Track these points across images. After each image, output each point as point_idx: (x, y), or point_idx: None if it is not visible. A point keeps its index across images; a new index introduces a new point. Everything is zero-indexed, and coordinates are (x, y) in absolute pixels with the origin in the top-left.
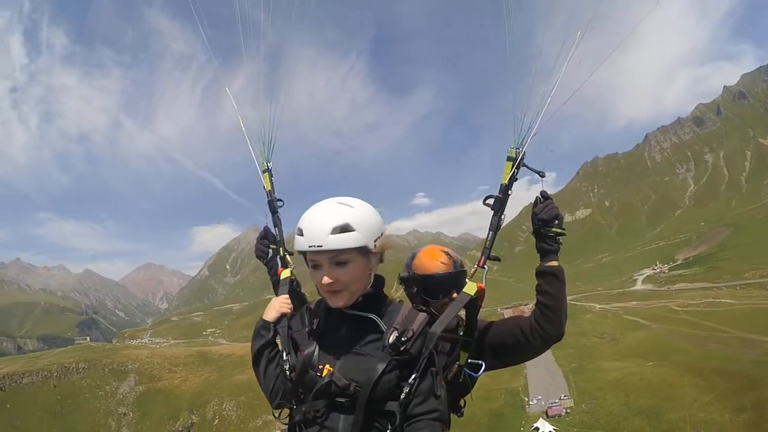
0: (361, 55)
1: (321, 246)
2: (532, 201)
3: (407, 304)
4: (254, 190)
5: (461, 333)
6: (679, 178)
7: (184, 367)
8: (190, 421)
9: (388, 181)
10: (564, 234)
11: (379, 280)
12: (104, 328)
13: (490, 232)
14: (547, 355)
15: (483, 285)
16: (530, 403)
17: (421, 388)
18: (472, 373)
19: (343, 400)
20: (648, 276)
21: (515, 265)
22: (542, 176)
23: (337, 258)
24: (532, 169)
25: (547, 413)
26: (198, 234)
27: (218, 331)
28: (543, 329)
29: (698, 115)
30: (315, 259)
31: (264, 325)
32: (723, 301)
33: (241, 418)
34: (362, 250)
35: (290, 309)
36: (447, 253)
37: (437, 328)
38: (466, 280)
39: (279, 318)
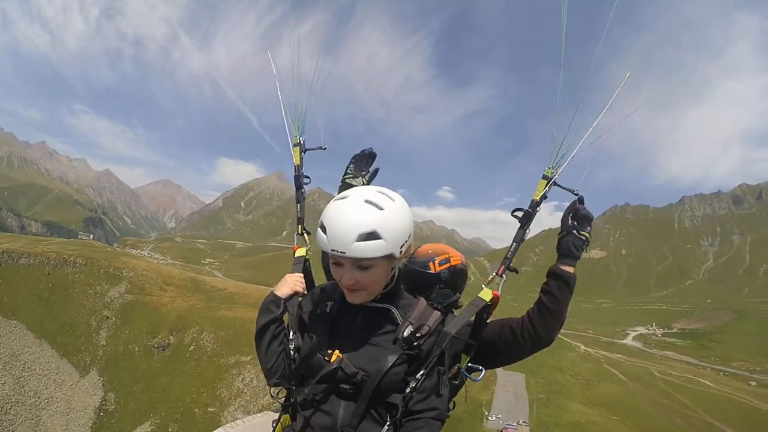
0: (430, 36)
1: (344, 253)
2: (554, 226)
3: (423, 301)
4: (287, 139)
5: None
6: (701, 250)
7: (176, 289)
8: (167, 341)
9: (420, 165)
10: (589, 242)
11: (398, 275)
12: (109, 230)
13: (514, 244)
14: (519, 378)
15: (498, 293)
16: (489, 418)
17: (426, 385)
18: (471, 377)
19: (347, 387)
20: (640, 334)
21: (517, 285)
22: (576, 195)
23: (360, 263)
24: (564, 188)
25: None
26: (222, 165)
27: (216, 263)
28: (535, 329)
29: (739, 193)
30: (337, 258)
31: (274, 300)
32: (703, 381)
33: (216, 352)
34: (386, 256)
35: (303, 288)
36: (448, 258)
37: (452, 328)
38: (482, 285)
39: (291, 295)
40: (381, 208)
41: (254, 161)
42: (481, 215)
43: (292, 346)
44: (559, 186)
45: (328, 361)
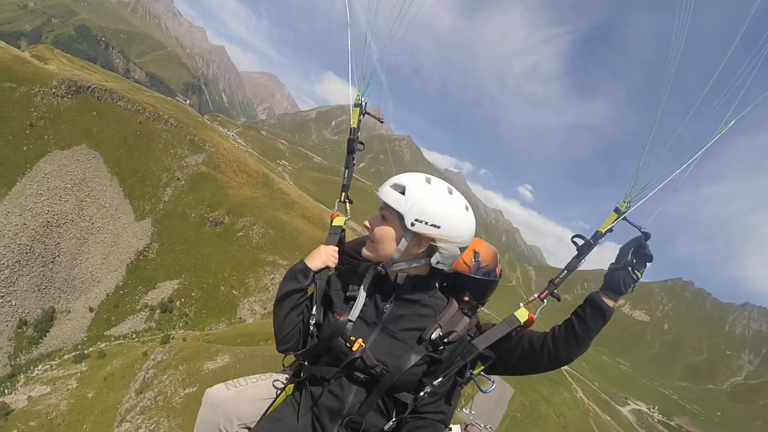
0: (572, 33)
1: (378, 192)
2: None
3: (455, 305)
4: (399, 81)
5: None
6: (737, 362)
7: (247, 177)
8: (222, 219)
9: (513, 154)
10: (638, 281)
11: (435, 272)
12: (204, 101)
13: (565, 271)
14: (507, 391)
15: (534, 317)
16: (463, 410)
17: (439, 390)
18: (481, 388)
19: (362, 376)
20: (639, 410)
21: (549, 309)
22: (643, 232)
23: (383, 211)
24: (632, 224)
25: (467, 426)
26: (328, 79)
27: (289, 168)
28: (557, 350)
29: None
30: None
31: (303, 270)
32: None
33: (259, 245)
34: (400, 218)
35: (335, 263)
36: (477, 255)
37: (481, 343)
38: (520, 304)
39: (321, 269)
40: (428, 183)
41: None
42: (550, 227)
43: (312, 321)
44: (628, 221)
45: (350, 348)
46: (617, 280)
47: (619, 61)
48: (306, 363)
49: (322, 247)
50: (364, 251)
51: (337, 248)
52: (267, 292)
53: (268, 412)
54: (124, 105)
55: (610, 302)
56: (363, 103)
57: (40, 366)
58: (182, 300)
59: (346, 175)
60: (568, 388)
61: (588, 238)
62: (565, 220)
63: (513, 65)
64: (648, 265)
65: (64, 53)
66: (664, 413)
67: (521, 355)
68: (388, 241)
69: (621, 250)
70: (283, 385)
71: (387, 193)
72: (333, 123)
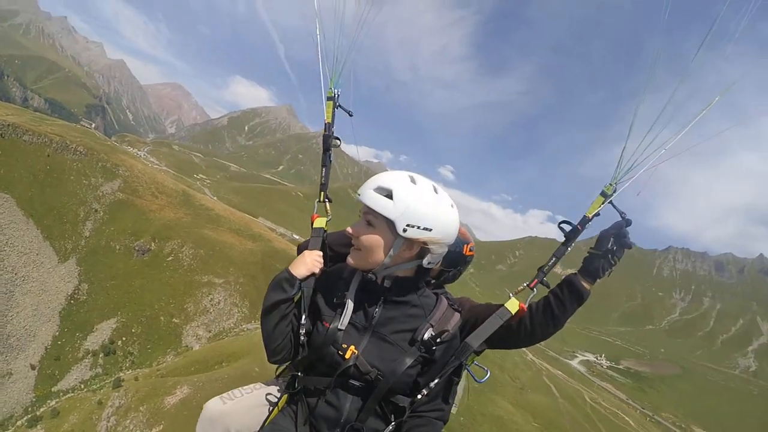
0: (478, 13)
1: (360, 195)
2: (540, 235)
3: (444, 301)
4: (308, 76)
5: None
6: (670, 301)
7: (166, 198)
8: (148, 246)
9: (430, 137)
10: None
11: (423, 272)
12: (109, 121)
13: (553, 258)
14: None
15: (525, 306)
16: None
17: (436, 390)
18: (475, 377)
19: (357, 383)
20: (587, 360)
21: (489, 281)
22: (624, 218)
23: (368, 217)
24: (617, 209)
25: None
26: (236, 83)
27: (208, 181)
28: (533, 328)
29: (723, 261)
30: (360, 209)
31: (289, 279)
32: (627, 419)
33: (192, 267)
34: (390, 224)
35: (321, 269)
36: (473, 247)
37: (474, 341)
38: (510, 295)
39: (308, 276)
40: (414, 183)
41: (269, 88)
42: (475, 204)
43: (302, 331)
44: (614, 206)
45: (343, 356)
46: (596, 266)
47: (525, 36)
48: (300, 374)
49: (307, 253)
50: (350, 260)
51: (321, 253)
52: (208, 314)
53: (266, 423)
54: (29, 139)
55: (587, 285)
56: (336, 95)
57: None
58: (123, 339)
59: (323, 174)
60: (518, 352)
61: (575, 223)
62: (488, 195)
63: (422, 49)
64: (625, 251)
65: None
66: (611, 359)
67: (500, 332)
68: (377, 249)
69: (601, 234)
70: (278, 396)
71: (372, 198)
72: (246, 128)
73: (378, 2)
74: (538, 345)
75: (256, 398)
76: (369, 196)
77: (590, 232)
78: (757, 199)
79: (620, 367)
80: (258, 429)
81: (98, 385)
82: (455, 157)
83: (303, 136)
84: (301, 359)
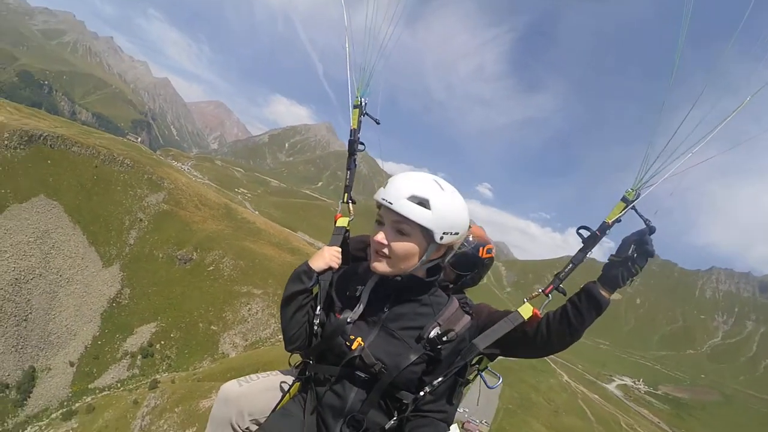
0: (511, 32)
1: (391, 204)
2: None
3: (455, 302)
4: (347, 95)
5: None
6: (713, 324)
7: (209, 210)
8: (190, 256)
9: (468, 155)
10: (637, 275)
11: (437, 269)
12: (154, 136)
13: (570, 265)
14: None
15: (539, 312)
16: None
17: (440, 390)
18: (487, 383)
19: (363, 375)
20: (625, 384)
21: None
22: (649, 225)
23: (400, 225)
24: (641, 216)
25: (463, 424)
26: (276, 102)
27: (249, 195)
28: (549, 337)
29: (767, 282)
30: (382, 215)
31: (307, 271)
32: None
33: (232, 278)
34: (426, 233)
35: (338, 263)
36: (492, 249)
37: (481, 342)
38: (525, 300)
39: (325, 270)
40: (443, 189)
41: (308, 106)
42: (512, 222)
43: (317, 321)
44: (636, 212)
45: (349, 347)
46: (616, 273)
47: (558, 54)
48: (311, 362)
49: (326, 248)
50: (379, 267)
51: (340, 249)
52: (246, 323)
53: (278, 408)
54: (78, 150)
55: (606, 294)
56: (363, 104)
57: (29, 429)
58: (162, 342)
59: (348, 177)
60: (553, 375)
61: (594, 229)
62: (525, 213)
63: (457, 69)
64: (649, 259)
65: (9, 102)
66: (649, 384)
67: (516, 340)
68: (412, 257)
69: (623, 241)
70: (290, 384)
71: (407, 208)
72: (286, 145)
73: (404, 18)
74: (575, 369)
75: (270, 384)
76: (404, 206)
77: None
78: None
79: (658, 392)
80: (269, 413)
81: (134, 385)
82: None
83: (342, 153)
84: (313, 348)
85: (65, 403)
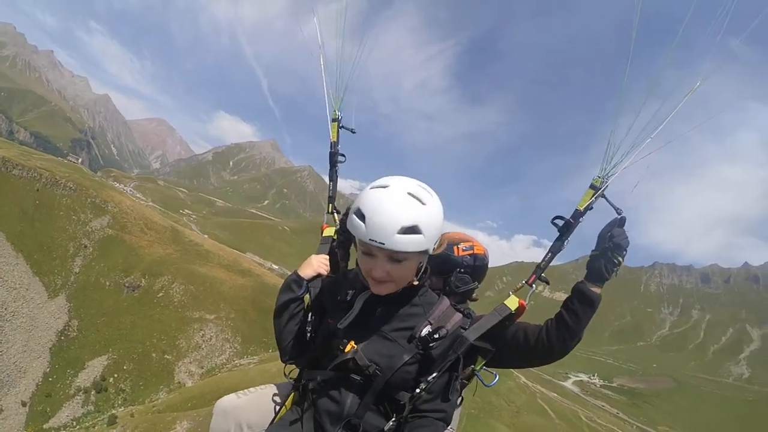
0: (456, 46)
1: (383, 244)
2: (527, 260)
3: (446, 301)
4: (291, 111)
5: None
6: (659, 316)
7: (155, 234)
8: (138, 283)
9: (414, 169)
10: (620, 266)
11: (423, 270)
12: (93, 156)
13: (549, 254)
14: None
15: (525, 303)
16: None
17: (436, 387)
18: (483, 381)
19: (358, 378)
20: (581, 380)
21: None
22: (620, 214)
23: (395, 255)
24: (611, 203)
25: None
26: (220, 118)
27: (194, 216)
28: (550, 343)
29: (709, 273)
30: (371, 249)
31: (297, 280)
32: None
33: (183, 303)
34: (421, 252)
35: (327, 270)
36: (472, 246)
37: (472, 335)
38: (510, 293)
39: (314, 277)
40: (423, 203)
41: (253, 123)
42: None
43: (309, 328)
44: (606, 199)
45: (343, 350)
46: (598, 267)
47: (503, 67)
48: (305, 368)
49: (313, 256)
50: (383, 291)
51: (327, 256)
52: (200, 350)
53: (275, 420)
54: (18, 173)
55: (596, 290)
56: (339, 117)
57: None
58: (115, 375)
59: (331, 188)
60: (510, 376)
61: (567, 217)
62: (473, 222)
63: (403, 83)
64: (627, 249)
65: None
66: (604, 378)
67: (518, 348)
68: (410, 275)
69: (599, 235)
70: (287, 394)
71: (402, 243)
72: (231, 163)
73: (359, 31)
74: (531, 370)
75: (267, 395)
76: (396, 242)
77: (582, 251)
78: (738, 209)
79: (614, 384)
80: (267, 425)
81: (91, 422)
82: (439, 186)
83: (287, 171)
84: (308, 354)
85: None
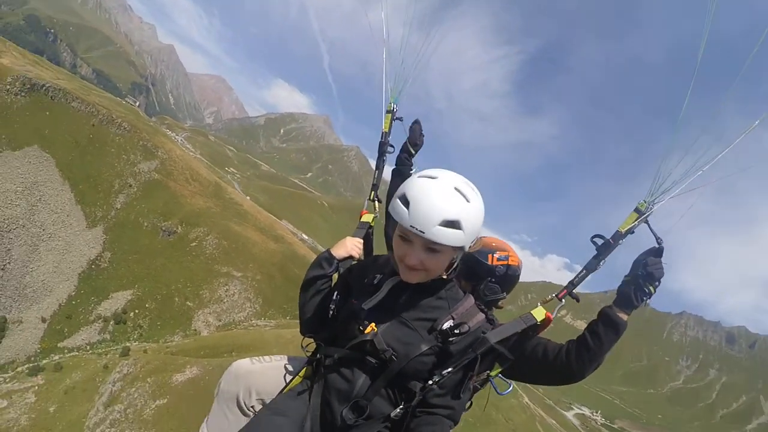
0: (521, 54)
1: (423, 233)
2: (555, 281)
3: (471, 299)
4: (349, 90)
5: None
6: (675, 368)
7: (199, 186)
8: (175, 229)
9: (459, 167)
10: (651, 296)
11: (456, 266)
12: (151, 102)
13: (583, 271)
14: None
15: (552, 315)
16: None
17: (448, 383)
18: (497, 389)
19: (373, 361)
20: (582, 414)
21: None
22: (659, 243)
23: (432, 245)
24: (652, 230)
25: None
26: (278, 86)
27: (238, 176)
28: (569, 363)
29: (735, 334)
30: (409, 235)
31: (328, 258)
32: None
33: (213, 257)
34: (458, 248)
35: (359, 253)
36: (507, 256)
37: (493, 337)
38: (538, 304)
39: (345, 258)
40: (468, 200)
41: (309, 96)
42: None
43: (333, 306)
44: (648, 225)
45: (362, 331)
46: (628, 294)
47: (564, 82)
48: (322, 344)
49: (348, 238)
50: (412, 279)
51: (362, 240)
52: (221, 303)
53: (285, 390)
54: (77, 106)
55: (623, 315)
56: (394, 109)
57: None
58: (136, 311)
59: (376, 176)
60: (515, 395)
61: (608, 237)
62: (508, 233)
63: (462, 81)
64: (660, 280)
65: (16, 46)
66: (606, 417)
67: (536, 362)
68: (442, 267)
69: (634, 261)
70: (301, 367)
71: (440, 235)
72: (281, 131)
73: (436, 33)
74: (536, 392)
75: (281, 366)
76: (436, 233)
77: (611, 284)
78: None
79: (614, 426)
80: (276, 394)
81: (104, 350)
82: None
83: (335, 148)
84: (327, 331)
85: (33, 359)
